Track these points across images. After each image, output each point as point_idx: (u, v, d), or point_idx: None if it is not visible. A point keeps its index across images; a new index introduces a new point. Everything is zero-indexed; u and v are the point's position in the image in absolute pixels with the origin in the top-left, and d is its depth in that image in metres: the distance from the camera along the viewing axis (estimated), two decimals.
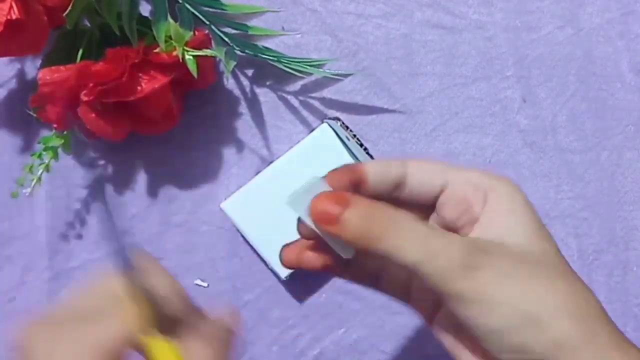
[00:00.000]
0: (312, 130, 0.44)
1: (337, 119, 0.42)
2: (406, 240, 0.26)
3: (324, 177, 0.30)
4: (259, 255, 0.43)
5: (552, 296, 0.26)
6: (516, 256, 0.27)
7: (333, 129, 0.43)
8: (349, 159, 0.43)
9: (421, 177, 0.29)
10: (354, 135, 0.41)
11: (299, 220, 0.29)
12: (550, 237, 0.29)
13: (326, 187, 0.29)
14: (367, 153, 0.41)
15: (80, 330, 0.28)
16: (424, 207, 0.30)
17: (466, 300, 0.26)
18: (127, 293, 0.29)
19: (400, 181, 0.29)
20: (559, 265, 0.28)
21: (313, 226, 0.27)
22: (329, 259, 0.30)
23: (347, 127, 0.41)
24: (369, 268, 0.32)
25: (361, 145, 0.41)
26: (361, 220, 0.26)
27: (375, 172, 0.29)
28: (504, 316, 0.26)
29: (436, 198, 0.30)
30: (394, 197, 0.30)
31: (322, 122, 0.44)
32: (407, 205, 0.30)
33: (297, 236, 0.30)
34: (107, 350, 0.27)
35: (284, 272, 0.43)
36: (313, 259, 0.30)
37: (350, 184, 0.29)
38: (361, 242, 0.26)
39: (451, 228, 0.30)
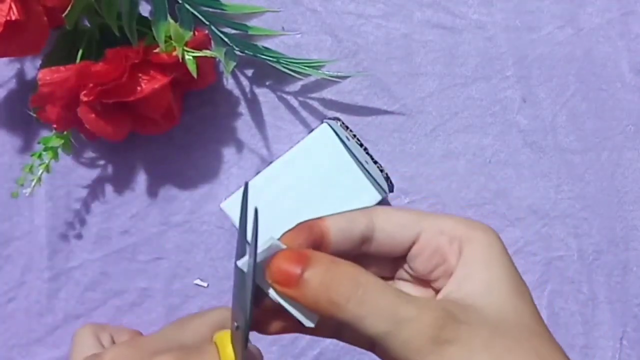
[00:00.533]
0: (312, 130, 0.44)
1: (337, 119, 0.42)
2: (372, 309, 0.23)
3: (280, 238, 0.26)
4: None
5: None
6: (491, 325, 0.24)
7: (333, 129, 0.43)
8: (348, 159, 0.43)
9: (391, 231, 0.27)
10: (354, 136, 0.41)
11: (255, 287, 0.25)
12: (526, 291, 0.26)
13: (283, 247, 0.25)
14: (367, 153, 0.41)
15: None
16: (393, 259, 0.28)
17: None
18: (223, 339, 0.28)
19: (367, 236, 0.27)
20: (534, 328, 0.26)
21: (271, 292, 0.24)
22: (287, 324, 0.27)
23: (347, 127, 0.41)
24: (330, 325, 0.28)
25: (361, 145, 0.41)
26: (322, 283, 0.23)
27: (338, 229, 0.26)
28: None
29: (407, 250, 0.27)
30: (359, 252, 0.27)
31: (322, 122, 0.44)
32: (374, 258, 0.28)
33: None
34: None
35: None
36: (273, 325, 0.27)
37: (309, 243, 0.26)
38: (323, 309, 0.24)
39: (423, 280, 0.28)
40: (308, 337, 0.45)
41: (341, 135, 0.43)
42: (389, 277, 0.29)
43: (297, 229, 0.26)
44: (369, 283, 0.24)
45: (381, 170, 0.41)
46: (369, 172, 0.43)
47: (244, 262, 0.24)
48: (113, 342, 0.38)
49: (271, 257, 0.24)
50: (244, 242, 0.25)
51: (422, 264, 0.27)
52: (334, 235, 0.26)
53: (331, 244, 0.26)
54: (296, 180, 0.43)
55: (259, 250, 0.24)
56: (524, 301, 0.26)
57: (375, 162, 0.41)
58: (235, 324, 0.26)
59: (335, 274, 0.24)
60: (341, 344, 0.46)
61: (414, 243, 0.27)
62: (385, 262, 0.29)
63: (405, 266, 0.28)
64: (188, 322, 0.31)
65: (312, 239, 0.26)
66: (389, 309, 0.23)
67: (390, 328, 0.23)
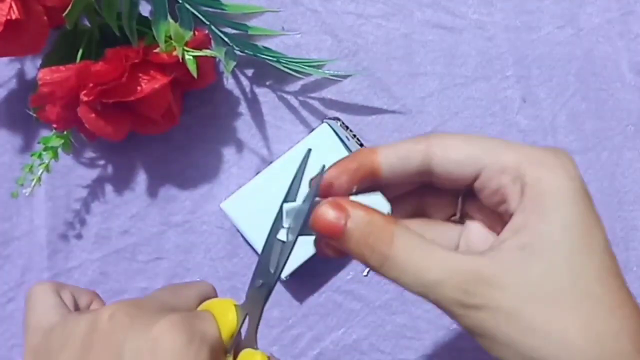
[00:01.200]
0: (312, 130, 0.44)
1: (337, 119, 0.42)
2: (403, 272, 0.24)
3: (329, 167, 0.27)
4: (258, 255, 0.43)
5: (578, 340, 0.22)
6: (531, 288, 0.22)
7: (333, 129, 0.43)
8: None
9: (449, 167, 0.25)
10: (354, 135, 0.41)
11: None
12: (593, 242, 0.23)
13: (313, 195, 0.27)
14: None
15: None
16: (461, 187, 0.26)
17: (472, 333, 0.24)
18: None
19: (424, 170, 0.26)
20: (592, 291, 0.22)
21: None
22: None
23: (347, 127, 0.41)
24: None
25: (361, 145, 0.41)
26: (359, 242, 0.24)
27: (390, 165, 0.26)
28: (509, 355, 0.23)
29: (471, 184, 0.26)
30: (420, 180, 0.26)
31: (322, 122, 0.44)
32: (437, 188, 0.27)
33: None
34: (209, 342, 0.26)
35: (284, 272, 0.43)
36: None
37: (358, 179, 0.26)
38: (364, 261, 0.24)
39: (494, 212, 0.26)
40: (308, 337, 0.45)
41: (341, 135, 0.43)
42: (454, 204, 0.28)
43: (348, 161, 0.26)
44: (399, 245, 0.24)
45: None
46: None
47: (290, 207, 0.27)
48: (75, 303, 0.32)
49: (314, 207, 0.25)
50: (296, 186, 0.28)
51: (486, 199, 0.26)
52: (385, 171, 0.26)
53: (384, 179, 0.26)
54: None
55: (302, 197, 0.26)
56: (589, 256, 0.23)
57: None
58: (260, 281, 0.27)
59: (372, 229, 0.24)
60: (341, 343, 0.46)
61: (476, 179, 0.25)
62: (449, 192, 0.27)
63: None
64: (179, 290, 0.30)
65: (360, 175, 0.26)
66: (417, 273, 0.23)
67: (421, 290, 0.23)
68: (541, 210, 0.23)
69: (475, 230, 0.28)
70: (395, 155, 0.26)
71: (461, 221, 0.28)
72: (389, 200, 0.27)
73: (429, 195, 0.29)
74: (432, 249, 0.24)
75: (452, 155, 0.25)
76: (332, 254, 0.28)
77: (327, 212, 0.25)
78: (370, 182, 0.26)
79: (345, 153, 0.43)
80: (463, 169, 0.25)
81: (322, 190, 0.27)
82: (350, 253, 0.25)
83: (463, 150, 0.25)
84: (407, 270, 0.24)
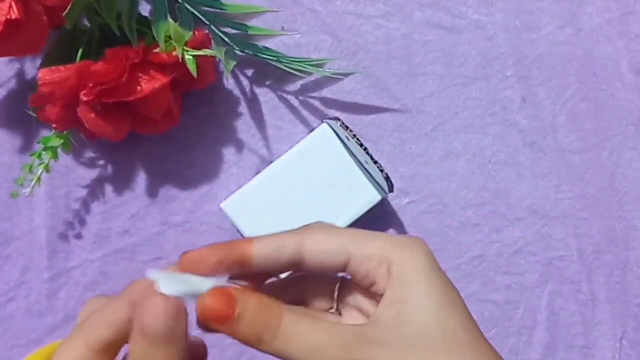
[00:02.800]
0: (312, 130, 0.44)
1: (337, 119, 0.42)
2: (291, 342, 0.25)
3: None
4: None
5: None
6: (411, 342, 0.26)
7: (333, 129, 0.43)
8: (349, 159, 0.43)
9: (320, 258, 0.28)
10: (354, 135, 0.41)
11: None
12: (455, 301, 0.27)
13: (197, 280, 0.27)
14: (367, 153, 0.41)
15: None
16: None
17: None
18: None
19: (297, 261, 0.28)
20: (462, 338, 0.26)
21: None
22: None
23: (347, 127, 0.41)
24: None
25: (361, 145, 0.41)
26: (249, 322, 0.26)
27: (263, 255, 0.28)
28: None
29: (342, 269, 0.28)
30: (296, 269, 0.29)
31: (322, 122, 0.44)
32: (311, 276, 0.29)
33: None
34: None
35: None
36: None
37: (231, 263, 0.27)
38: (252, 344, 0.26)
39: (369, 293, 0.29)
40: None
41: (341, 135, 0.43)
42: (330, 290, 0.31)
43: (223, 246, 0.28)
44: (288, 318, 0.26)
45: (381, 170, 0.41)
46: (368, 172, 0.43)
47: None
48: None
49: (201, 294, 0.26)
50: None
51: (358, 283, 0.29)
52: (257, 260, 0.28)
53: (254, 268, 0.28)
54: (296, 181, 0.43)
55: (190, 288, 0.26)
56: (452, 312, 0.27)
57: (375, 162, 0.41)
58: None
59: (261, 314, 0.26)
60: None
61: (345, 267, 0.28)
62: (326, 281, 0.30)
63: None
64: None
65: (230, 259, 0.27)
66: (305, 339, 0.25)
67: (308, 356, 0.25)
68: (407, 282, 0.27)
69: (352, 317, 0.30)
70: (269, 246, 0.28)
71: (338, 313, 0.31)
72: (264, 286, 0.30)
73: (307, 285, 0.31)
74: (317, 320, 0.26)
75: (323, 246, 0.28)
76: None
77: (214, 303, 0.26)
78: (241, 269, 0.28)
79: (345, 153, 0.43)
80: (332, 259, 0.28)
81: (189, 263, 0.27)
82: (237, 336, 0.26)
83: (332, 243, 0.28)
84: (295, 340, 0.25)
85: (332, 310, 0.31)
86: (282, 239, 0.28)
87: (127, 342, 0.26)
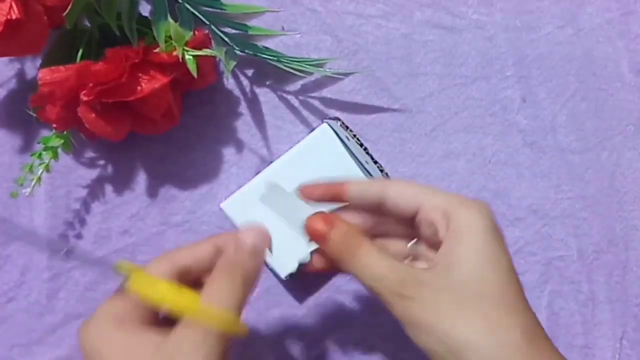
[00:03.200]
0: (312, 130, 0.44)
1: (337, 119, 0.42)
2: (364, 267, 0.32)
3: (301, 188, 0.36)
4: None
5: (479, 329, 0.29)
6: (452, 290, 0.30)
7: (333, 129, 0.43)
8: (349, 159, 0.43)
9: (397, 201, 0.33)
10: (354, 135, 0.41)
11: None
12: (501, 263, 0.31)
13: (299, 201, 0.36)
14: (367, 153, 0.41)
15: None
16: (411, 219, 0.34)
17: (403, 323, 0.31)
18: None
19: (380, 201, 0.34)
20: (499, 296, 0.30)
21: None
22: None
23: (347, 127, 0.41)
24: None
25: (361, 145, 0.41)
26: (337, 243, 0.33)
27: (355, 193, 0.35)
28: (430, 343, 0.30)
29: (414, 215, 0.33)
30: (379, 211, 0.35)
31: (322, 122, 0.44)
32: (393, 217, 0.35)
33: (293, 235, 0.35)
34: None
35: (284, 272, 0.43)
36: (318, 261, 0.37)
37: (333, 195, 0.35)
38: (338, 260, 0.33)
39: (433, 242, 0.33)
40: (308, 337, 0.45)
41: (341, 135, 0.43)
42: (409, 235, 0.36)
43: (325, 186, 0.36)
44: (365, 248, 0.32)
45: (381, 170, 0.41)
46: (369, 172, 0.43)
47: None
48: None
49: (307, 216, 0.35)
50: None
51: (423, 231, 0.33)
52: (349, 195, 0.35)
53: (347, 202, 0.35)
54: (296, 181, 0.43)
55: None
56: (495, 272, 0.30)
57: (376, 162, 0.41)
58: None
59: (347, 238, 0.33)
60: (341, 343, 0.46)
61: (417, 213, 0.33)
62: (403, 222, 0.35)
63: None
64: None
65: (331, 193, 0.35)
66: (373, 268, 0.32)
67: (371, 283, 0.32)
68: (459, 239, 0.31)
69: (420, 264, 0.36)
70: (359, 187, 0.35)
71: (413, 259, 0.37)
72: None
73: (390, 236, 0.37)
74: (386, 256, 0.32)
75: (400, 191, 0.34)
76: (320, 267, 0.37)
77: (315, 223, 0.34)
78: (339, 201, 0.35)
79: (345, 153, 0.43)
80: (407, 203, 0.33)
81: (306, 190, 0.36)
82: (328, 252, 0.34)
83: (410, 189, 0.34)
84: (365, 267, 0.32)
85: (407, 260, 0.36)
86: (370, 183, 0.35)
87: (202, 276, 0.33)
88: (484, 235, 0.31)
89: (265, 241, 0.34)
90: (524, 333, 0.29)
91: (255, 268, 0.33)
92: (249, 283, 0.33)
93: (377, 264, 0.32)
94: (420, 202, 0.33)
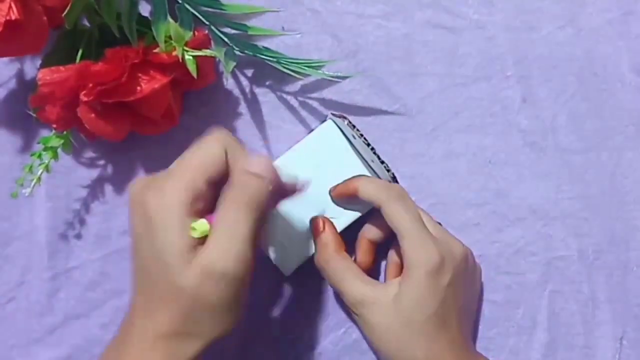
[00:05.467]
0: (312, 129, 0.44)
1: (344, 117, 0.42)
2: (331, 276, 0.41)
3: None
4: (261, 252, 0.43)
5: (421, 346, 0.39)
6: (391, 315, 0.39)
7: (338, 127, 0.43)
8: (354, 157, 0.43)
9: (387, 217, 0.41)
10: (361, 135, 0.41)
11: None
12: (436, 298, 0.39)
13: None
14: (374, 152, 0.41)
15: (176, 165, 0.35)
16: None
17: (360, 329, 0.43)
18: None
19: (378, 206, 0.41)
20: (434, 320, 0.39)
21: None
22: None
23: (354, 126, 0.41)
24: None
25: (368, 144, 0.41)
26: (319, 251, 0.42)
27: (362, 192, 0.41)
28: (370, 344, 0.43)
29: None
30: None
31: (327, 118, 0.44)
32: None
33: (297, 234, 0.39)
34: (199, 169, 0.34)
35: (287, 270, 0.43)
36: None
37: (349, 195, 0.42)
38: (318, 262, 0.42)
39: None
40: (308, 337, 0.45)
41: (346, 133, 0.43)
42: None
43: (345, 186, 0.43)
44: (332, 265, 0.41)
45: (388, 170, 0.41)
46: (374, 172, 0.43)
47: None
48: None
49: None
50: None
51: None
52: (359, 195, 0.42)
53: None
54: (300, 176, 0.43)
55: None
56: (431, 303, 0.39)
57: (382, 162, 0.41)
58: None
59: (326, 249, 0.41)
60: (341, 343, 0.46)
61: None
62: None
63: None
64: (187, 153, 0.36)
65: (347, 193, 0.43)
66: (339, 282, 0.41)
67: (337, 289, 0.42)
68: (409, 274, 0.39)
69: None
70: (368, 187, 0.42)
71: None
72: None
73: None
74: (354, 276, 0.41)
75: (389, 212, 0.40)
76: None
77: (316, 222, 0.43)
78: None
79: (350, 150, 0.43)
80: (385, 231, 0.43)
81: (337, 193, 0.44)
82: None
83: (405, 216, 0.40)
84: (332, 277, 0.41)
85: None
86: (384, 185, 0.41)
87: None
88: (425, 276, 0.38)
89: (275, 174, 0.35)
90: (451, 340, 0.39)
91: (265, 195, 0.34)
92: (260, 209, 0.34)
93: (341, 281, 0.40)
94: (399, 234, 0.40)
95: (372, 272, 0.43)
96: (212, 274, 0.31)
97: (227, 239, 0.32)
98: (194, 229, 0.32)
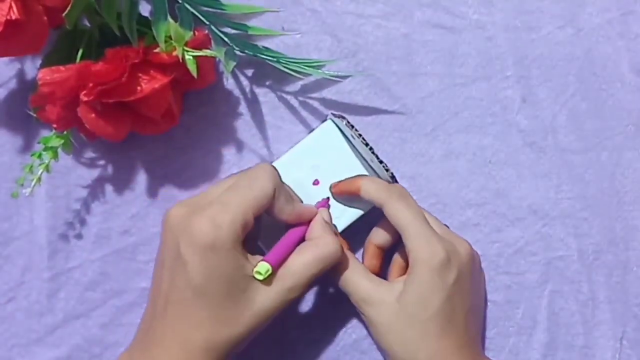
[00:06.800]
0: (312, 129, 0.44)
1: (342, 117, 0.42)
2: (338, 277, 0.41)
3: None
4: (262, 252, 0.43)
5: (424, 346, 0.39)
6: (403, 309, 0.39)
7: (337, 126, 0.43)
8: (353, 158, 0.43)
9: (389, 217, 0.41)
10: (360, 135, 0.41)
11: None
12: (440, 296, 0.39)
13: None
14: (373, 153, 0.41)
15: (229, 196, 0.36)
16: None
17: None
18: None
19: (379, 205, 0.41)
20: (439, 318, 0.39)
21: None
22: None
23: (353, 127, 0.41)
24: None
25: (367, 144, 0.41)
26: (323, 245, 0.39)
27: (364, 191, 0.42)
28: (375, 340, 0.42)
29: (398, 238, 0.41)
30: None
31: (327, 118, 0.44)
32: None
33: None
34: (252, 204, 0.36)
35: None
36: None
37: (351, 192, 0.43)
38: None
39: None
40: (308, 337, 0.45)
41: (346, 133, 0.43)
42: None
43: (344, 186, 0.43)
44: (342, 261, 0.40)
45: (387, 170, 0.41)
46: (374, 171, 0.43)
47: None
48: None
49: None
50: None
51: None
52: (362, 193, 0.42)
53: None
54: (300, 179, 0.43)
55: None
56: (434, 301, 0.39)
57: (381, 162, 0.41)
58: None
59: (330, 247, 0.38)
60: (341, 343, 0.46)
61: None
62: None
63: None
64: (239, 184, 0.37)
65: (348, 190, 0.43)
66: (346, 281, 0.40)
67: (343, 289, 0.41)
68: (412, 271, 0.39)
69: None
70: (370, 186, 0.42)
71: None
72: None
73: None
74: (359, 275, 0.40)
75: (392, 213, 0.40)
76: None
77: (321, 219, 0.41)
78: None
79: (349, 151, 0.43)
80: (392, 234, 0.43)
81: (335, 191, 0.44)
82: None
83: (405, 215, 0.40)
84: (338, 277, 0.40)
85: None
86: (386, 187, 0.41)
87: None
88: (429, 273, 0.38)
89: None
90: (457, 341, 0.38)
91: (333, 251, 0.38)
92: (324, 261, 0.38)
93: (346, 281, 0.40)
94: (404, 235, 0.40)
95: (380, 277, 0.42)
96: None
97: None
98: (259, 272, 0.35)
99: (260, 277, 0.35)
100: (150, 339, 0.36)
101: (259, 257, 0.36)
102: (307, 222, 0.40)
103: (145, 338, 0.36)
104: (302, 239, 0.39)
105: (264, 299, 0.35)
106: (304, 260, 0.37)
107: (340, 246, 0.38)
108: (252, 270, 0.35)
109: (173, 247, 0.35)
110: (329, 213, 0.42)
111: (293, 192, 0.41)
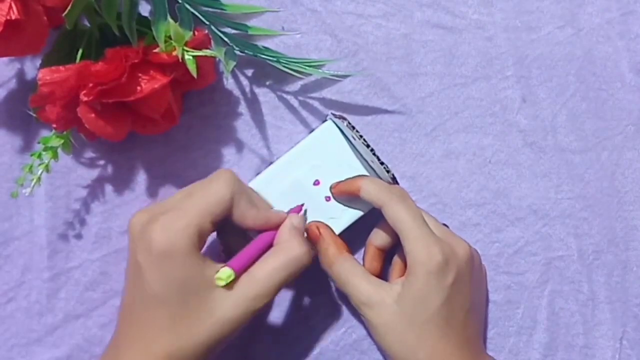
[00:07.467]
0: (313, 129, 0.44)
1: (343, 117, 0.42)
2: (336, 277, 0.41)
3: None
4: None
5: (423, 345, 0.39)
6: (402, 311, 0.39)
7: (338, 127, 0.43)
8: (354, 158, 0.43)
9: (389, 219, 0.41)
10: (361, 136, 0.41)
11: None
12: (440, 297, 0.39)
13: None
14: (374, 154, 0.41)
15: (184, 202, 0.36)
16: None
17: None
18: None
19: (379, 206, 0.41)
20: (439, 319, 0.39)
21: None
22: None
23: (354, 128, 0.41)
24: None
25: (367, 145, 0.41)
26: (322, 255, 0.42)
27: (364, 192, 0.41)
28: (375, 342, 0.42)
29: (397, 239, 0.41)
30: None
31: (327, 119, 0.44)
32: None
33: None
34: (207, 210, 0.35)
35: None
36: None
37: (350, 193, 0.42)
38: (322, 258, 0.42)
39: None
40: (308, 337, 0.45)
41: (346, 134, 0.43)
42: None
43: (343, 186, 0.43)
44: (336, 267, 0.41)
45: (387, 171, 0.41)
46: (375, 172, 0.43)
47: None
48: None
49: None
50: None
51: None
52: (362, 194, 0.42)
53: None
54: (300, 180, 0.43)
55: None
56: (426, 313, 0.39)
57: (382, 163, 0.41)
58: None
59: (327, 253, 0.41)
60: (341, 343, 0.46)
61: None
62: None
63: None
64: (195, 191, 0.37)
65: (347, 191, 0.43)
66: (345, 282, 0.41)
67: (343, 291, 0.41)
68: (411, 273, 0.39)
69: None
70: (370, 187, 0.42)
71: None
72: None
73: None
74: (359, 277, 0.40)
75: (391, 214, 0.40)
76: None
77: (310, 230, 0.42)
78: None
79: (351, 153, 0.43)
80: (391, 235, 0.43)
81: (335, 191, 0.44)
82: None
83: (405, 217, 0.40)
84: (338, 280, 0.41)
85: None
86: (387, 188, 0.41)
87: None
88: (427, 276, 0.38)
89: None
90: (457, 341, 0.39)
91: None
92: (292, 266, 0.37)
93: (346, 283, 0.40)
94: (402, 235, 0.40)
95: (381, 278, 0.42)
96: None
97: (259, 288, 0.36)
98: (220, 278, 0.34)
99: (222, 283, 0.34)
100: (118, 348, 0.36)
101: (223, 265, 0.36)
102: (277, 228, 0.39)
103: (114, 347, 0.37)
104: (271, 246, 0.38)
105: (226, 307, 0.35)
106: (267, 267, 0.36)
107: (308, 251, 0.37)
108: (214, 276, 0.35)
109: (133, 255, 0.35)
110: (303, 218, 0.41)
111: (260, 198, 0.40)
